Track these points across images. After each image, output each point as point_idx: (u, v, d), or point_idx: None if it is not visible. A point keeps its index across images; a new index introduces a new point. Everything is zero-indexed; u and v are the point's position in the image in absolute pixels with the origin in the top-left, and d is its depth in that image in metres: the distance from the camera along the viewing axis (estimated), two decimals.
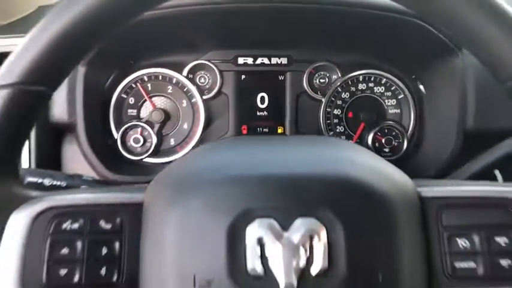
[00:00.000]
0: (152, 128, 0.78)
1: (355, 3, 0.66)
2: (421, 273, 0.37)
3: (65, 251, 0.39)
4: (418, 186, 0.41)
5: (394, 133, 0.78)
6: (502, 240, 0.37)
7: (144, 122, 0.78)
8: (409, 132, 0.78)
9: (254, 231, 0.35)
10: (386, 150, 0.77)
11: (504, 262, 0.37)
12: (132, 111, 0.79)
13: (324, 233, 0.35)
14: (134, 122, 0.78)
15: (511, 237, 0.38)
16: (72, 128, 0.71)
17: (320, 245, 0.35)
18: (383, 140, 0.77)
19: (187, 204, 0.37)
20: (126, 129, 0.78)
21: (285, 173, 0.38)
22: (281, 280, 0.34)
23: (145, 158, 0.76)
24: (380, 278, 0.34)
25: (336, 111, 0.79)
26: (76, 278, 0.38)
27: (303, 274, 0.34)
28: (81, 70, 0.69)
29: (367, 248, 0.36)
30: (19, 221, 0.39)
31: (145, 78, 0.79)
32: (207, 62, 0.79)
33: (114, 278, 0.39)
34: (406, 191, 0.39)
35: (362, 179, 0.37)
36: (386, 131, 0.78)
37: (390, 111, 0.79)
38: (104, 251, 0.39)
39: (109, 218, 0.40)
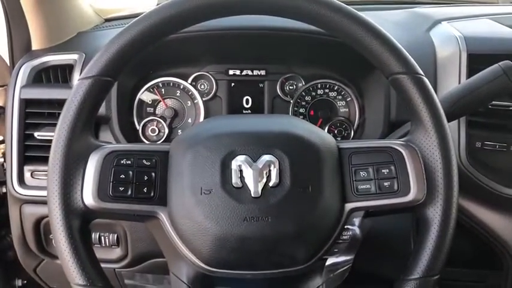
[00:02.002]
0: (165, 122, 0.91)
1: (297, 28, 0.80)
2: (337, 191, 0.55)
3: (122, 176, 0.53)
4: (339, 142, 0.60)
5: (344, 126, 0.94)
6: (385, 171, 0.55)
7: (159, 117, 0.92)
8: (354, 125, 0.94)
9: (236, 162, 0.54)
10: (339, 138, 0.93)
11: (386, 183, 0.55)
12: (150, 109, 0.93)
13: (277, 163, 0.53)
14: (151, 118, 0.91)
15: (390, 168, 0.55)
16: (107, 119, 0.85)
17: (275, 170, 0.53)
18: (335, 131, 0.93)
19: (197, 149, 0.56)
20: (145, 122, 0.91)
21: (255, 129, 0.58)
22: (251, 189, 0.53)
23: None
24: (310, 189, 0.54)
25: (301, 110, 0.94)
26: (129, 193, 0.53)
27: (265, 186, 0.53)
28: None
29: (302, 172, 0.54)
30: (95, 158, 0.53)
31: (160, 85, 0.93)
32: (206, 73, 0.93)
33: (152, 194, 0.54)
34: (329, 143, 0.58)
35: (301, 133, 0.57)
36: (338, 124, 0.94)
37: (341, 110, 0.95)
38: (145, 178, 0.54)
39: (148, 159, 0.55)
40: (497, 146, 0.79)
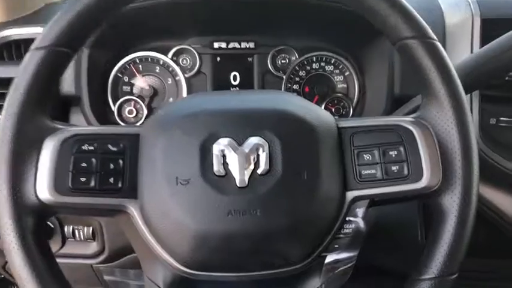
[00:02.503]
0: (143, 101, 0.85)
1: None
2: (337, 177, 0.49)
3: (84, 165, 0.47)
4: (338, 121, 0.54)
5: (342, 103, 0.88)
6: (393, 153, 0.49)
7: (136, 97, 0.85)
8: (354, 102, 0.89)
9: (218, 146, 0.47)
10: (336, 117, 0.83)
11: (394, 168, 0.48)
12: (127, 88, 0.87)
13: (266, 147, 0.47)
14: (128, 97, 0.85)
15: (399, 150, 0.49)
16: (78, 100, 0.79)
17: (264, 155, 0.46)
18: (333, 109, 0.88)
19: (172, 131, 0.48)
20: (121, 103, 0.85)
21: (240, 107, 0.51)
22: (237, 178, 0.46)
23: None
24: (305, 176, 0.49)
25: (295, 87, 0.89)
26: (92, 184, 0.47)
27: (252, 174, 0.46)
28: (85, 52, 0.77)
29: (296, 156, 0.47)
30: (51, 144, 0.47)
31: (137, 60, 0.86)
32: (188, 47, 0.86)
33: (119, 185, 0.48)
34: (327, 122, 0.51)
35: (295, 111, 0.50)
36: (335, 101, 0.88)
37: (339, 85, 0.89)
38: (112, 166, 0.48)
39: (114, 144, 0.49)
40: None
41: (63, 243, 0.80)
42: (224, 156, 0.47)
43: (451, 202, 0.48)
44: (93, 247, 0.83)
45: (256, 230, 0.46)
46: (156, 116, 0.53)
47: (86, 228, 0.81)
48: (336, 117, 0.82)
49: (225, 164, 0.47)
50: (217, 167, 0.47)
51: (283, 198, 0.47)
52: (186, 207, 0.46)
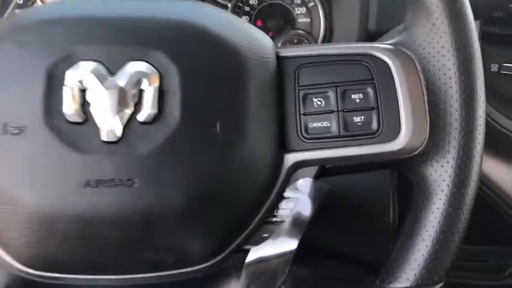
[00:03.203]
0: None
1: None
2: (270, 131, 0.33)
3: None
4: (279, 48, 0.37)
5: (304, 42, 0.73)
6: (356, 96, 0.34)
7: None
8: (318, 41, 0.73)
9: (75, 74, 0.30)
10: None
11: (357, 119, 0.34)
12: None
13: (156, 78, 0.31)
14: None
15: (365, 92, 0.34)
16: None
17: (150, 90, 0.30)
18: None
19: (2, 44, 0.32)
20: None
21: (121, 14, 0.33)
22: (103, 127, 0.30)
23: None
24: (218, 127, 0.32)
25: (243, 18, 0.72)
26: None
27: (129, 122, 0.30)
28: None
29: (204, 96, 0.32)
30: None
31: None
32: None
33: None
34: (260, 47, 0.35)
35: (207, 25, 0.33)
36: (295, 40, 0.72)
37: (300, 19, 0.74)
38: None
39: None
40: None
41: None
42: (84, 92, 0.30)
43: (441, 174, 0.33)
44: None
45: (132, 211, 0.30)
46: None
47: None
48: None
49: (85, 105, 0.30)
50: (70, 108, 0.30)
51: (179, 161, 0.30)
52: (19, 172, 0.30)
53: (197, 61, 0.32)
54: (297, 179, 0.35)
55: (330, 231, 0.53)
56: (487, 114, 0.58)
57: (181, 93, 0.31)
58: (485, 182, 0.64)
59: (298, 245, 0.34)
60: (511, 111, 0.59)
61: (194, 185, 0.30)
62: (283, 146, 0.34)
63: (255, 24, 0.72)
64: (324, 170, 0.35)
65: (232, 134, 0.31)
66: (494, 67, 0.59)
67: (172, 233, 0.31)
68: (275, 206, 0.34)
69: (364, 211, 0.56)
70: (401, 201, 0.55)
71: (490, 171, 0.62)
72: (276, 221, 0.34)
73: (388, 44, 0.35)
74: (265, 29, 0.72)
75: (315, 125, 0.34)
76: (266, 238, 0.34)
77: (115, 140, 0.29)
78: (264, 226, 0.34)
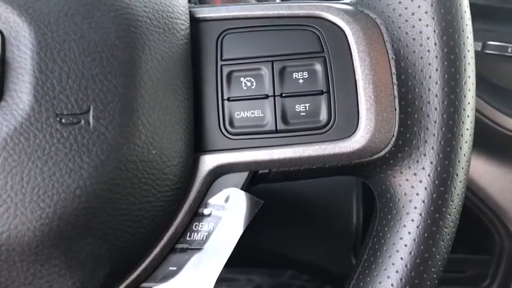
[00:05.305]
0: None
1: None
2: (176, 124, 0.24)
3: None
4: (196, 7, 0.28)
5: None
6: (300, 76, 0.26)
7: None
8: None
9: None
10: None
11: (300, 107, 0.25)
12: None
13: None
14: None
15: (312, 70, 0.25)
16: None
17: None
18: None
19: None
20: None
21: None
22: None
23: None
24: (91, 118, 0.22)
25: None
26: None
27: None
28: None
29: (71, 71, 0.22)
30: None
31: None
32: None
33: None
34: (167, 4, 0.25)
35: None
36: None
37: None
38: None
39: None
40: (509, 50, 0.46)
41: None
42: None
43: (414, 186, 0.25)
44: None
45: None
46: None
47: None
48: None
49: None
50: None
51: (28, 168, 0.21)
52: None
53: (63, 22, 0.21)
54: (221, 189, 0.26)
55: (288, 238, 0.45)
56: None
57: (33, 67, 0.21)
58: (468, 185, 0.55)
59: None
60: (501, 102, 0.50)
61: (53, 204, 0.20)
62: (198, 145, 0.25)
63: None
64: (256, 177, 0.26)
65: (114, 127, 0.21)
66: (477, 46, 0.49)
67: (26, 275, 0.21)
68: (186, 228, 0.25)
69: (324, 216, 0.48)
70: (368, 204, 0.46)
71: (475, 172, 0.53)
72: (187, 248, 0.25)
73: (344, 3, 0.26)
74: None
75: (243, 114, 0.26)
76: (173, 272, 0.25)
77: None
78: (169, 256, 0.25)
